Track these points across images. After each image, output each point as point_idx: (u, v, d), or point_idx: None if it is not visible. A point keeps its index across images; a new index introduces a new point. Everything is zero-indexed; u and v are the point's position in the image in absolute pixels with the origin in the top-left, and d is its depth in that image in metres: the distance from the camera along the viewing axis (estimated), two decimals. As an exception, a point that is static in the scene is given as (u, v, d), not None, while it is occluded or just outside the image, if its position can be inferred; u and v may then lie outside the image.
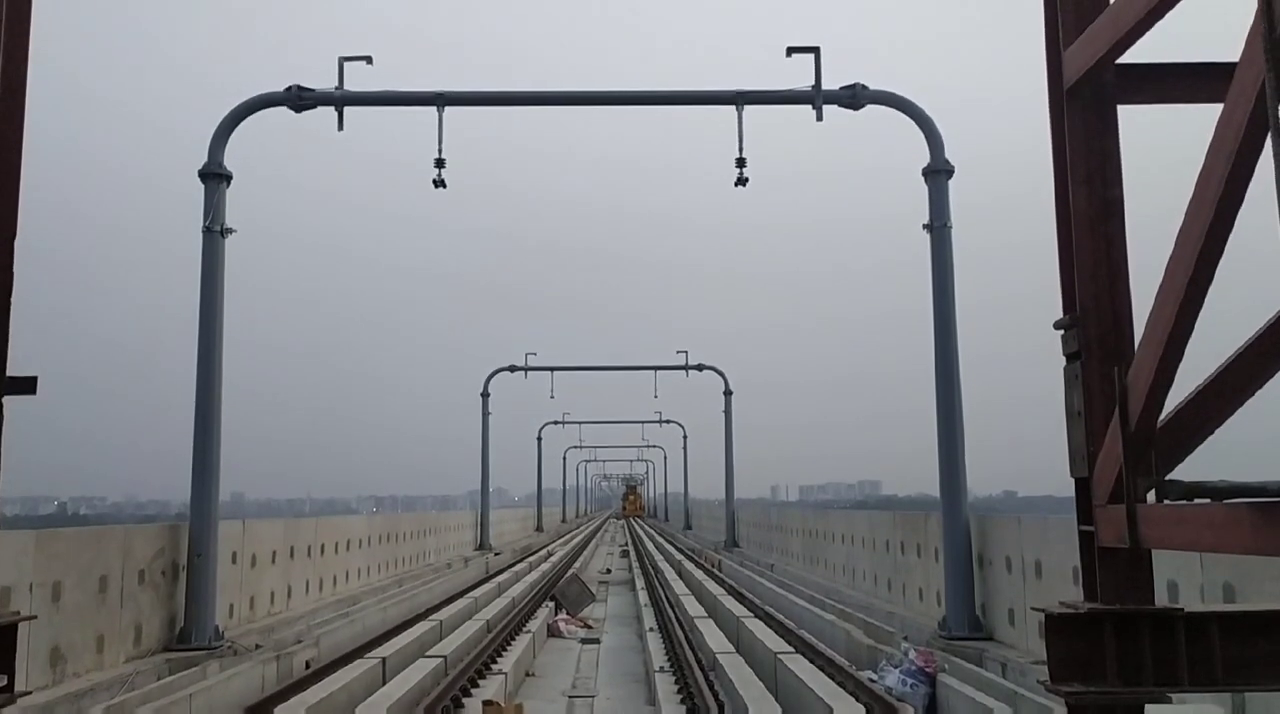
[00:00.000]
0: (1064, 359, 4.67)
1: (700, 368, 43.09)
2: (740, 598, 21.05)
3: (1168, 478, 3.82)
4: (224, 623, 14.29)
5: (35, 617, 4.18)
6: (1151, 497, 4.11)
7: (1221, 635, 4.13)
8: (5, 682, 4.28)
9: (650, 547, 45.97)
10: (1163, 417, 4.06)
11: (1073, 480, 4.65)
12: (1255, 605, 4.28)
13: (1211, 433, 4.07)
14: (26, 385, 4.65)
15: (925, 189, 15.26)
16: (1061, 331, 4.63)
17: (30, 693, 5.78)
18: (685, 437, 66.26)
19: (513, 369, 42.33)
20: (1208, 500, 3.59)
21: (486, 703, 10.46)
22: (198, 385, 14.56)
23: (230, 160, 15.05)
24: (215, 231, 14.71)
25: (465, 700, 10.73)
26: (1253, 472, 3.50)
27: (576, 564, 33.44)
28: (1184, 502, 3.75)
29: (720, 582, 25.93)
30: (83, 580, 11.42)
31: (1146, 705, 4.41)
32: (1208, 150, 3.65)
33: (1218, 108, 3.59)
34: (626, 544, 52.37)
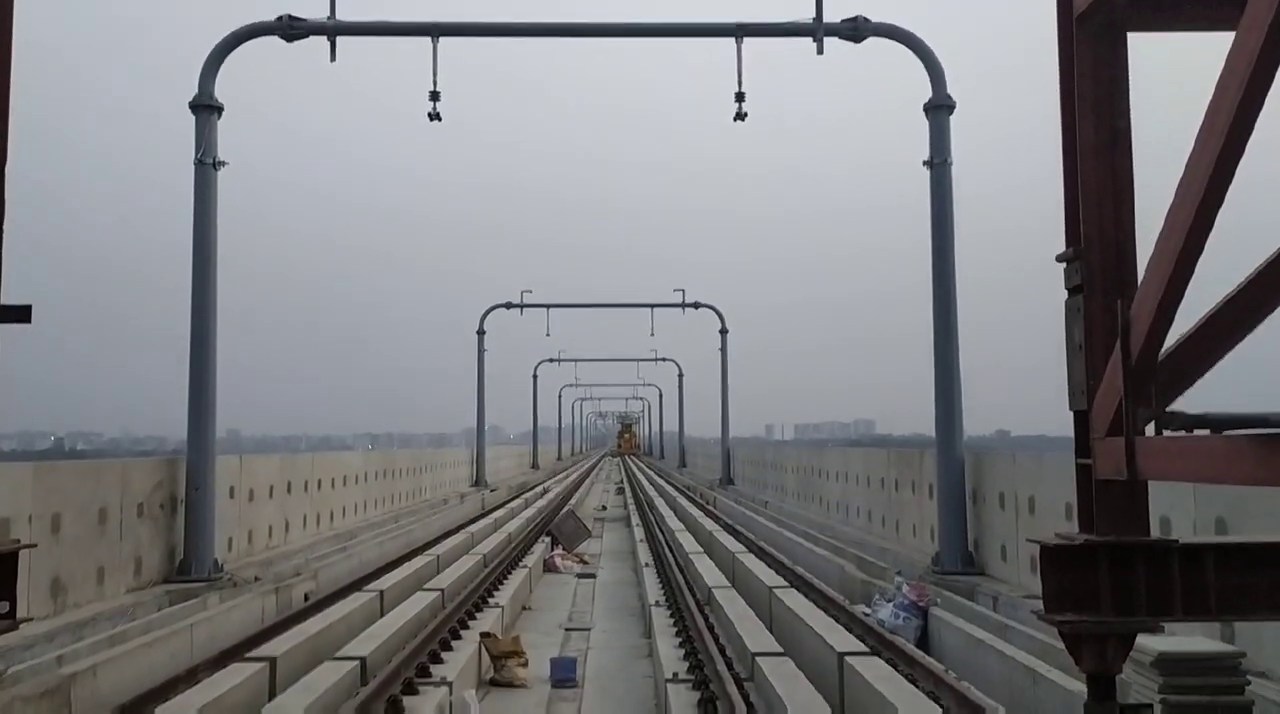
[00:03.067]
0: (1065, 294, 4.64)
1: (696, 306, 43.00)
2: (735, 534, 21.24)
3: (1168, 410, 3.81)
4: (223, 556, 14.41)
5: (35, 545, 4.19)
6: (1150, 430, 4.11)
7: (1216, 566, 4.15)
8: (7, 608, 4.30)
9: (646, 484, 46.31)
10: (1164, 349, 4.04)
11: (1070, 416, 4.65)
12: (1250, 537, 4.31)
13: (1213, 365, 4.05)
14: (21, 313, 4.60)
15: (925, 127, 15.11)
16: (1064, 264, 4.59)
17: (31, 619, 5.83)
18: (681, 375, 66.46)
19: (509, 306, 42.23)
20: (1207, 432, 3.59)
21: (484, 634, 10.58)
22: (192, 318, 14.53)
23: (230, 105, 14.89)
24: (207, 164, 14.56)
25: (463, 632, 10.85)
26: (1254, 405, 3.49)
27: (572, 501, 33.71)
28: (1183, 433, 3.75)
29: (715, 518, 26.15)
30: (82, 513, 11.48)
31: (1139, 636, 4.46)
32: (1218, 80, 3.58)
33: (1229, 36, 3.52)
34: (622, 481, 52.74)
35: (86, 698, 8.14)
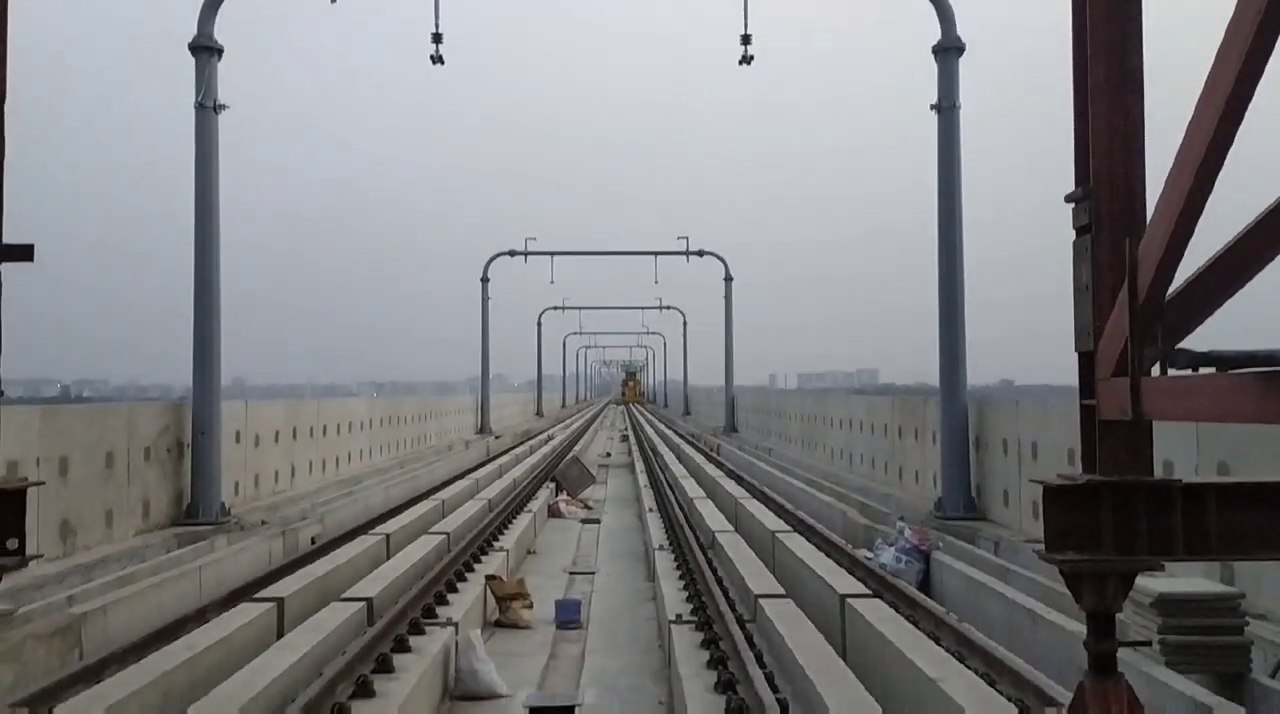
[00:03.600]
0: (1072, 235, 4.61)
1: (701, 253, 42.82)
2: (739, 480, 21.36)
3: (1175, 347, 3.80)
4: (229, 500, 14.52)
5: (43, 482, 4.21)
6: (1156, 371, 4.10)
7: (1218, 506, 4.16)
8: (16, 545, 4.33)
9: (650, 431, 46.49)
10: (1172, 289, 4.02)
11: (1074, 360, 4.64)
12: (1252, 477, 4.31)
13: (1221, 305, 4.03)
14: (23, 252, 4.59)
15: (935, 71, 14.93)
16: (1072, 204, 4.55)
17: (41, 556, 5.89)
18: (685, 323, 66.46)
19: (512, 253, 42.08)
20: (1213, 371, 3.57)
21: (489, 577, 10.68)
22: (195, 262, 14.50)
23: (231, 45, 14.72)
24: (208, 108, 14.44)
25: (468, 575, 10.96)
26: (1264, 343, 3.47)
27: (576, 448, 33.86)
28: (1188, 372, 3.74)
29: (719, 465, 26.29)
30: (89, 456, 11.55)
31: (1139, 578, 4.48)
32: (1231, 18, 3.52)
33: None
34: (626, 429, 52.96)
35: (97, 637, 8.25)
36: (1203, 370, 3.65)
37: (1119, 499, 4.21)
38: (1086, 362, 4.50)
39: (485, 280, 42.76)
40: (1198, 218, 3.88)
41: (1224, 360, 3.46)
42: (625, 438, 44.81)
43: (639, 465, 27.77)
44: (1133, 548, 4.16)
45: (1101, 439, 4.40)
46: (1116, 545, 4.17)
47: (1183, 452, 8.58)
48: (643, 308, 65.08)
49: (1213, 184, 3.80)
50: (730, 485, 19.85)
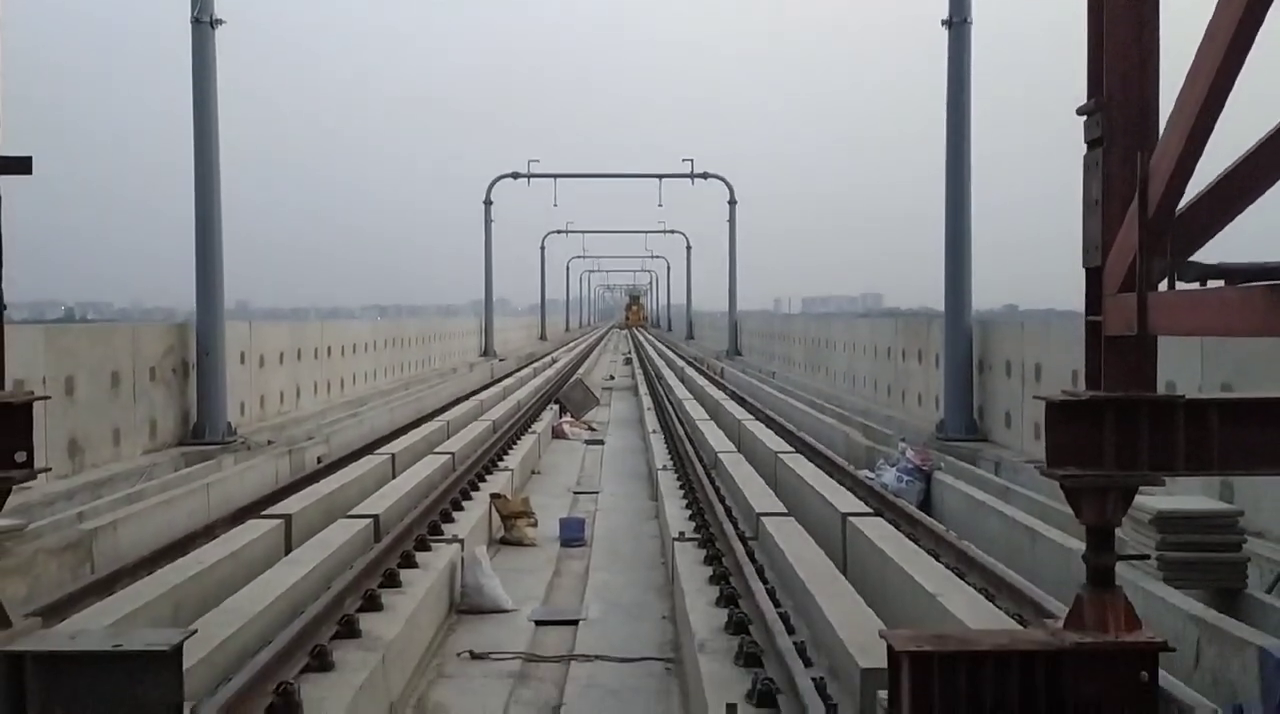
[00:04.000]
0: (1084, 148, 4.54)
1: (705, 176, 42.42)
2: (742, 402, 21.43)
3: (1184, 260, 3.77)
4: (235, 421, 14.61)
5: (49, 397, 4.24)
6: (1164, 286, 4.07)
7: (1220, 421, 4.17)
8: (25, 457, 4.37)
9: (653, 355, 46.58)
10: (1182, 204, 3.97)
11: (1081, 279, 4.61)
12: (1256, 393, 4.31)
13: (1231, 219, 3.99)
14: (21, 165, 4.55)
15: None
16: (1084, 117, 4.48)
17: (50, 469, 5.95)
18: (689, 247, 66.21)
19: (515, 176, 41.71)
20: (1221, 284, 3.55)
21: (494, 496, 10.79)
22: (196, 181, 14.40)
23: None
24: (204, 22, 14.20)
25: (473, 494, 11.06)
26: (1274, 257, 3.44)
27: (580, 371, 33.96)
28: (1196, 286, 3.71)
29: (722, 388, 26.38)
30: (94, 376, 11.60)
31: (1138, 496, 4.51)
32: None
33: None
34: (630, 353, 53.04)
35: (107, 552, 8.37)
36: (1211, 284, 3.63)
37: (1122, 414, 4.22)
38: (1094, 277, 4.47)
39: (488, 203, 42.51)
40: (1210, 132, 3.83)
41: (1233, 273, 3.44)
42: (629, 362, 44.91)
43: (642, 388, 27.88)
44: (1134, 463, 4.18)
45: (1106, 355, 4.39)
46: (1118, 460, 4.19)
47: (1186, 373, 8.58)
48: (646, 232, 64.90)
49: (1226, 98, 3.74)
50: (733, 407, 19.92)
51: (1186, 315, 3.88)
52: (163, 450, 12.98)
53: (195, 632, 4.61)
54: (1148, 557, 6.11)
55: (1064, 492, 4.36)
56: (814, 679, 4.85)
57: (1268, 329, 3.31)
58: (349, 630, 5.95)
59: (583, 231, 65.66)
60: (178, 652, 4.26)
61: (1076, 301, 4.64)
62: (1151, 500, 6.55)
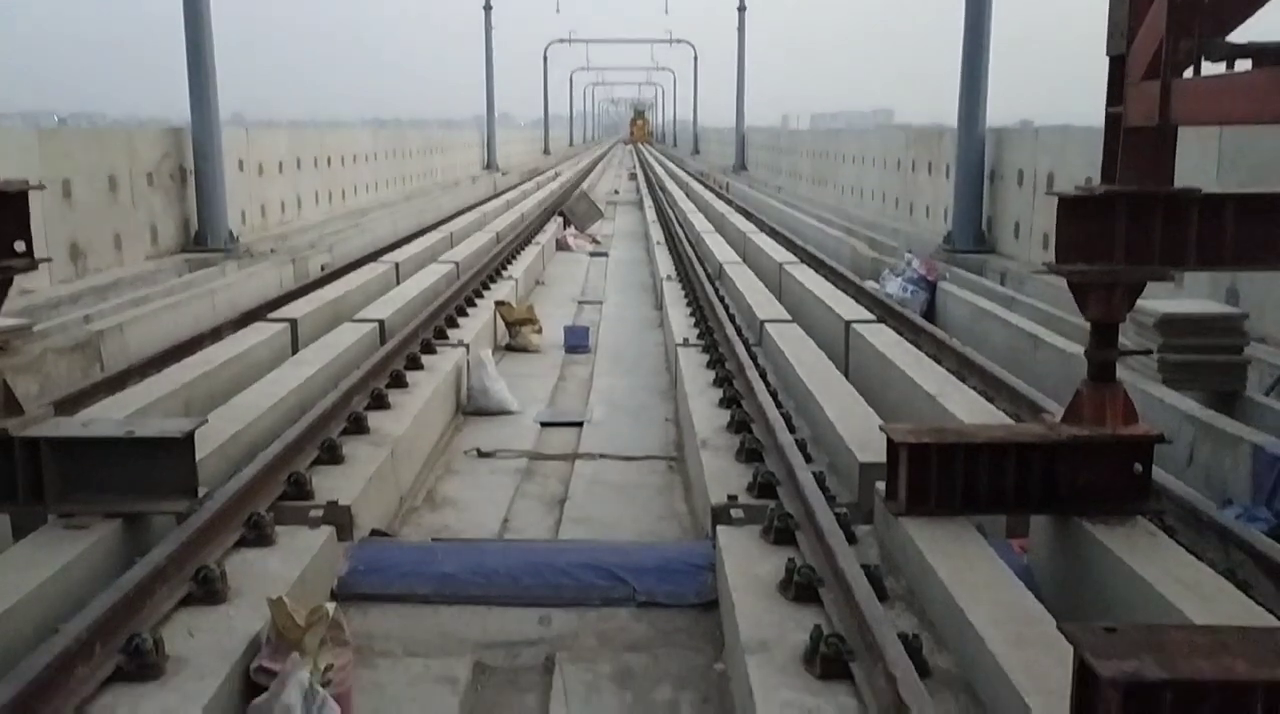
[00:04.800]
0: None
1: (714, -20, 40.71)
2: (748, 216, 21.24)
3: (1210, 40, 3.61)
4: (236, 229, 14.51)
5: (44, 186, 4.14)
6: (1189, 74, 3.92)
7: (1235, 216, 4.10)
8: (24, 247, 4.32)
9: (658, 170, 45.92)
10: (1216, -18, 3.78)
11: (1104, 72, 4.44)
12: (1272, 188, 4.21)
13: (1264, 3, 3.81)
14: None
15: None
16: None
17: (50, 259, 5.92)
18: (695, 57, 64.27)
19: (516, -21, 40.06)
20: (1249, 66, 3.41)
21: (499, 303, 10.80)
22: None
23: None
24: None
25: (478, 301, 11.08)
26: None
27: (584, 185, 33.54)
28: (1221, 71, 3.57)
29: (728, 202, 26.10)
30: (91, 180, 11.44)
31: (1143, 301, 4.48)
32: None
33: None
34: (634, 167, 52.24)
35: (115, 353, 8.45)
36: (1239, 67, 3.49)
37: (1135, 209, 4.14)
38: (1116, 65, 4.30)
39: (488, 8, 40.99)
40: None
41: (1264, 53, 3.29)
42: (633, 176, 44.27)
43: (647, 202, 27.56)
44: (1145, 257, 4.13)
45: (1124, 148, 4.27)
46: (1128, 255, 4.14)
47: (1202, 179, 8.40)
48: (652, 41, 62.87)
49: None
50: (739, 220, 19.75)
51: (1211, 102, 3.75)
52: (165, 257, 12.95)
53: (206, 421, 4.69)
54: (1150, 351, 6.12)
55: (1071, 289, 4.33)
56: (814, 473, 4.95)
57: (1296, 112, 3.19)
58: (358, 427, 6.04)
59: (587, 40, 63.66)
60: (190, 438, 4.34)
61: (1094, 116, 4.48)
62: (1157, 304, 6.55)
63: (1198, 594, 3.50)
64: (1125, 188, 4.19)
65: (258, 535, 4.32)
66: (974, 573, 3.79)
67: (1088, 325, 4.36)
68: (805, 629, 3.50)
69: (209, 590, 3.77)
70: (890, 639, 3.16)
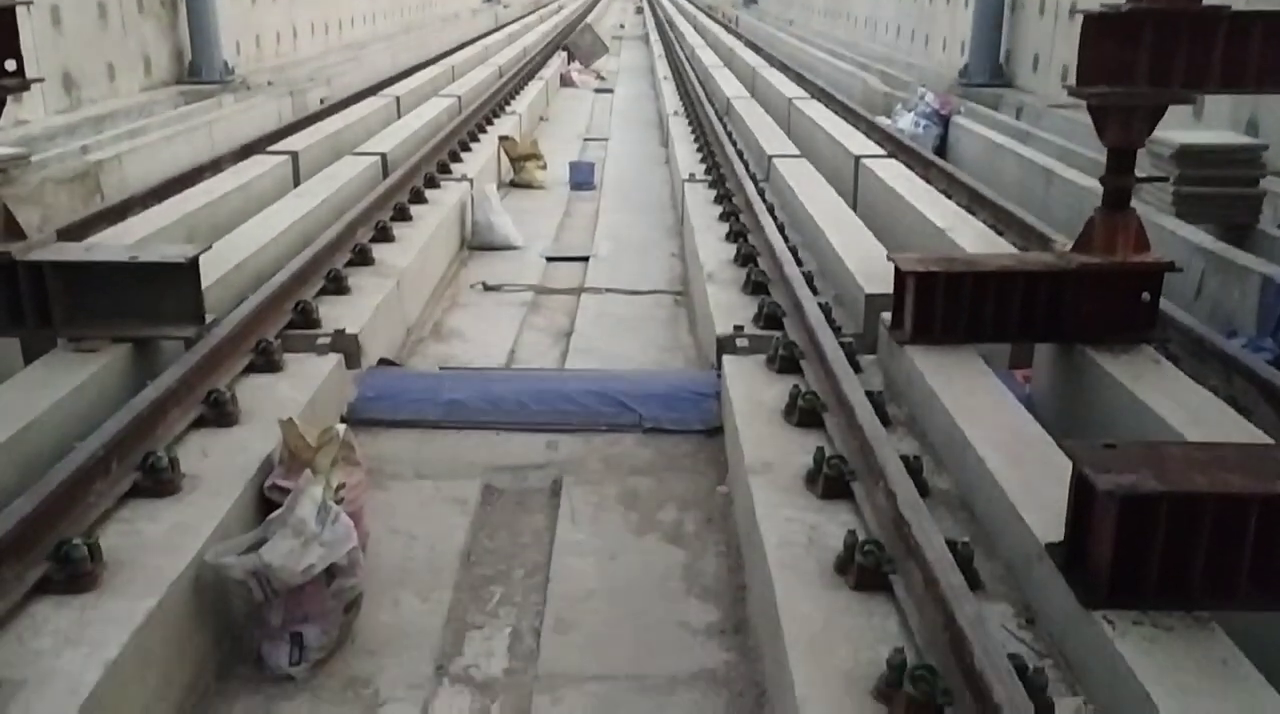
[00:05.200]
0: None
1: None
2: (757, 51, 20.64)
3: None
4: (232, 61, 14.11)
5: (32, 0, 3.97)
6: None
7: (1263, 37, 3.96)
8: (15, 66, 4.21)
9: (665, 3, 44.38)
10: None
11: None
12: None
13: None
14: None
15: None
16: None
17: (43, 79, 5.78)
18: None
19: None
20: None
21: (503, 138, 10.61)
22: None
23: None
24: None
25: (481, 136, 10.88)
26: None
27: (589, 18, 32.48)
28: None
29: (737, 36, 25.32)
30: (80, 5, 11.05)
31: (1162, 130, 4.36)
32: None
33: None
34: (640, 1, 50.52)
35: (115, 183, 8.35)
36: None
37: (1160, 28, 4.00)
38: (1153, -129, 4.08)
39: None
40: None
41: None
42: (640, 10, 42.90)
43: (653, 37, 26.78)
44: (1167, 79, 4.01)
45: (1154, -34, 4.10)
46: (1151, 77, 4.02)
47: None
48: None
49: None
50: (748, 55, 19.21)
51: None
52: (160, 89, 12.64)
53: (210, 247, 4.65)
54: (1166, 179, 6.01)
55: (1090, 113, 4.21)
56: (820, 304, 4.94)
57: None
58: (362, 258, 6.02)
59: None
60: (195, 264, 4.32)
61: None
62: (1175, 134, 6.40)
63: (1199, 419, 3.53)
64: (1153, 4, 4.03)
65: (266, 361, 4.35)
66: (976, 398, 3.81)
67: (1103, 158, 4.27)
68: (808, 452, 3.56)
69: (221, 413, 3.82)
70: (891, 459, 3.21)
